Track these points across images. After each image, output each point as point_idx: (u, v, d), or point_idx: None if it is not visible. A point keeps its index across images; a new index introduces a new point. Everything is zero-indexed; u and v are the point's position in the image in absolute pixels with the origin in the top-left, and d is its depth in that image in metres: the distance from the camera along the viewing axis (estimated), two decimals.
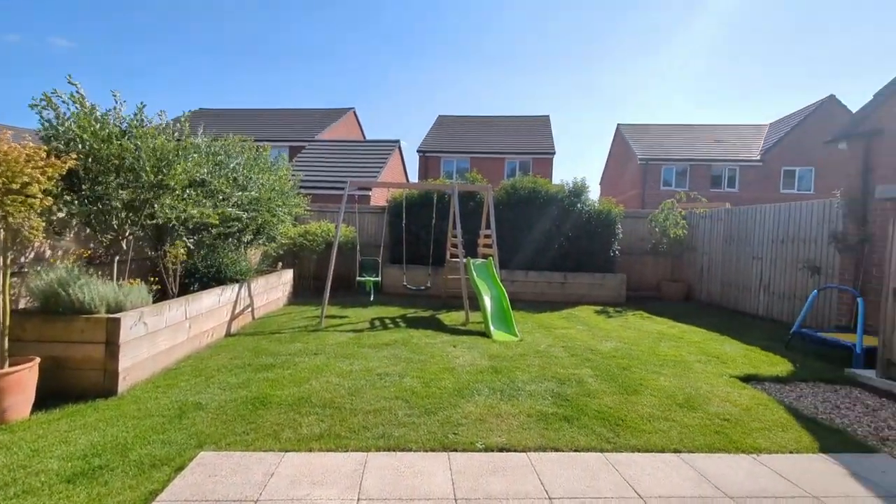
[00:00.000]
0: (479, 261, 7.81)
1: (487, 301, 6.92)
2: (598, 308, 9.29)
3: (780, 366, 5.36)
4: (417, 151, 25.03)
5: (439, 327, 6.94)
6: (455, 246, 8.04)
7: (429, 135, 27.28)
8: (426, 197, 10.71)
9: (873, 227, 6.56)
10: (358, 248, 8.83)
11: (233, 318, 6.33)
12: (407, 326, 6.96)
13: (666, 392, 4.29)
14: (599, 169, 36.04)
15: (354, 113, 27.89)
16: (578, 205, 10.60)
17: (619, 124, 31.19)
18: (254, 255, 8.91)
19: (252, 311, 7.12)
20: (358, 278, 8.29)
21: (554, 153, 23.73)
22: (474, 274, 7.37)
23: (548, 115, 28.76)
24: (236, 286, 6.44)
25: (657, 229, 10.98)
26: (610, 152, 33.36)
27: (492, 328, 6.44)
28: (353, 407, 3.70)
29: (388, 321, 7.35)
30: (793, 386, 4.75)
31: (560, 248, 10.53)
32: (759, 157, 25.34)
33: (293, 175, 9.50)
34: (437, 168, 24.14)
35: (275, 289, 8.39)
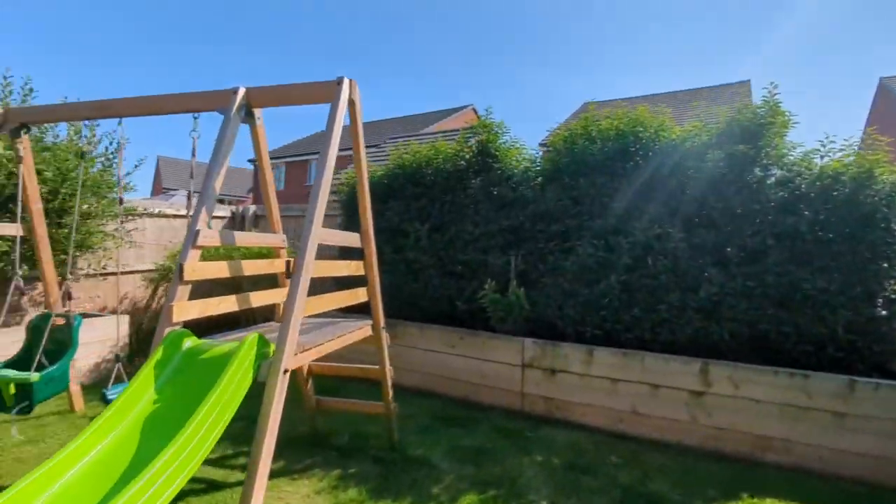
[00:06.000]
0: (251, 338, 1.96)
1: None
2: None
3: None
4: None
5: None
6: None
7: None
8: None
9: None
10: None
11: None
12: None
13: None
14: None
15: (474, 110, 23.76)
16: (761, 165, 3.78)
17: (881, 78, 19.76)
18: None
19: None
20: None
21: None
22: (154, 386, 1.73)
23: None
24: None
25: None
26: (869, 117, 21.28)
27: None
28: None
29: None
30: None
31: (704, 288, 3.84)
32: None
33: None
34: None
35: None
